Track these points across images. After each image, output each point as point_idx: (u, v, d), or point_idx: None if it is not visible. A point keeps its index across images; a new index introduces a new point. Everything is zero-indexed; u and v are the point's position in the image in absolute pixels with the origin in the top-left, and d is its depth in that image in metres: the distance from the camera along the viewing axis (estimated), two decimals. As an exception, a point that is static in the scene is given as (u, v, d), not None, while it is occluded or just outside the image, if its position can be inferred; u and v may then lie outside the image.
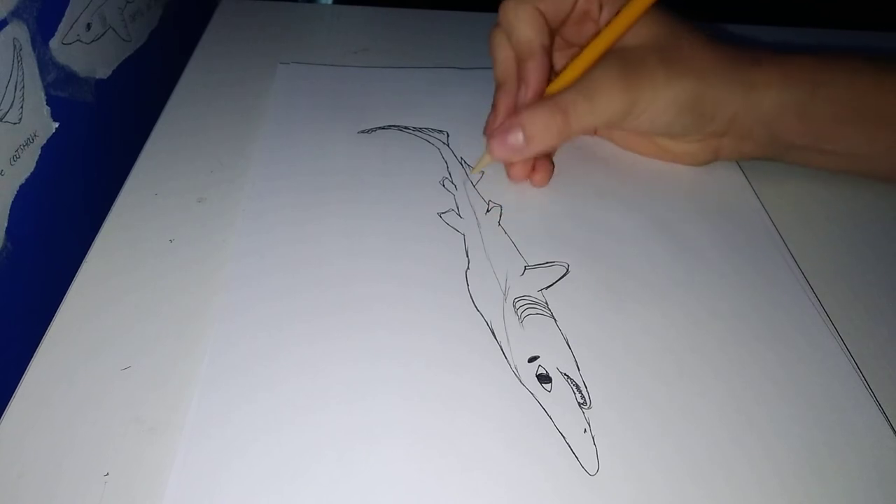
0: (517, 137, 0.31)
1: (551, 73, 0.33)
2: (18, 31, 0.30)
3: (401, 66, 0.43)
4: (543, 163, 0.34)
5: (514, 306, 0.28)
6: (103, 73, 0.40)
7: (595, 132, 0.38)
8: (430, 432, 0.23)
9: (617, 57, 0.31)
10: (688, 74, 0.31)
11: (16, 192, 0.31)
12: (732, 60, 0.32)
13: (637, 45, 0.31)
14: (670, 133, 0.34)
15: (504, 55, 0.33)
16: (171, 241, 0.30)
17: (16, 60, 0.30)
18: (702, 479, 0.23)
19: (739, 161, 0.36)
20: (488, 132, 0.33)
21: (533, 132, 0.31)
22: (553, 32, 0.33)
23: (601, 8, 0.33)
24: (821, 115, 0.32)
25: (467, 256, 0.30)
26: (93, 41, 0.38)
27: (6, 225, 0.31)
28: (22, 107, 0.31)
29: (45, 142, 0.34)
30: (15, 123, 0.31)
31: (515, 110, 0.32)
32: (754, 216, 0.33)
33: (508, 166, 0.34)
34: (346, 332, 0.26)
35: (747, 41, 0.34)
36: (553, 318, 0.28)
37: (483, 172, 0.35)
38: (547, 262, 0.30)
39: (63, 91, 0.36)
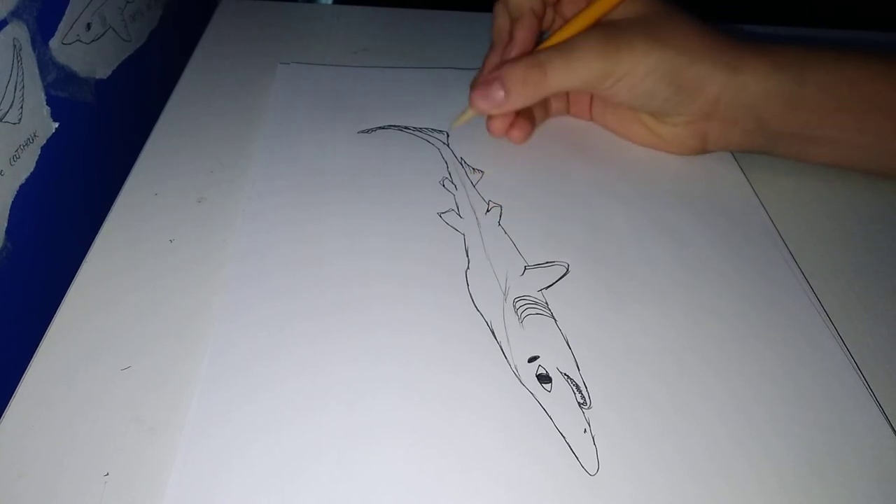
0: (497, 90, 0.33)
1: (540, 40, 0.34)
2: (18, 31, 0.30)
3: (401, 66, 0.43)
4: (522, 120, 0.36)
5: (514, 306, 0.28)
6: (103, 73, 0.40)
7: (587, 115, 0.39)
8: (430, 432, 0.23)
9: (601, 27, 0.33)
10: (669, 47, 0.32)
11: (16, 192, 0.31)
12: (718, 43, 0.32)
13: (623, 19, 0.33)
14: (652, 107, 0.34)
15: (501, 21, 0.35)
16: (171, 241, 0.30)
17: (16, 60, 0.30)
18: (702, 479, 0.23)
19: (736, 156, 0.36)
20: (471, 86, 0.34)
21: (511, 85, 0.32)
22: (546, 2, 0.35)
23: None
24: (808, 102, 0.32)
25: (467, 256, 0.30)
26: (93, 41, 0.38)
27: (6, 225, 0.31)
28: (22, 107, 0.31)
29: (45, 142, 0.34)
30: (15, 123, 0.31)
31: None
32: (754, 216, 0.33)
33: (488, 120, 0.36)
34: (346, 332, 0.26)
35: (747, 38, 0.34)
36: (553, 318, 0.28)
37: (483, 173, 0.35)
38: (547, 262, 0.30)
39: (63, 91, 0.36)
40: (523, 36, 0.34)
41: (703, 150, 0.36)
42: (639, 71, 0.32)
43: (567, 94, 0.39)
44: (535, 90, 0.33)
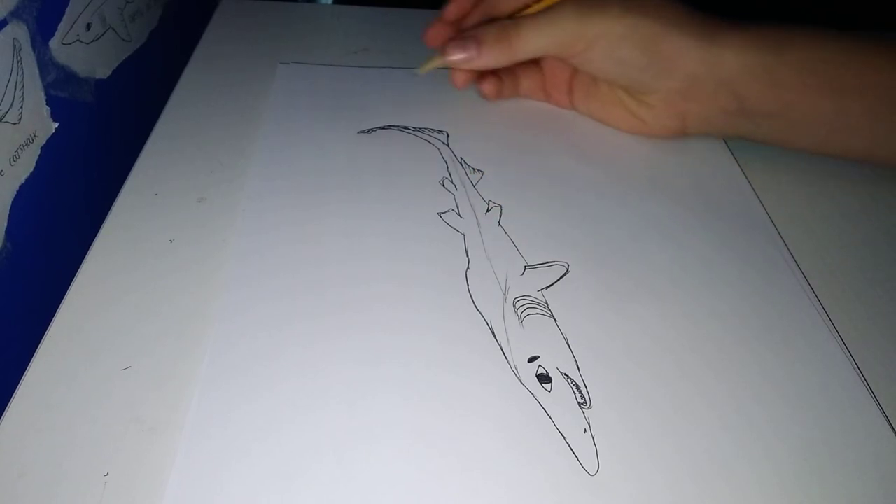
0: (471, 45, 0.34)
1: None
2: (18, 31, 0.30)
3: (401, 66, 0.43)
4: (491, 75, 0.37)
5: (514, 306, 0.28)
6: (103, 73, 0.40)
7: (567, 102, 0.39)
8: (430, 432, 0.23)
9: None
10: (644, 14, 0.32)
11: (16, 192, 0.31)
12: (694, 16, 0.32)
13: None
14: (628, 77, 0.34)
15: None
16: (171, 241, 0.30)
17: (15, 60, 0.30)
18: (702, 479, 0.23)
19: (736, 156, 0.36)
20: (435, 40, 0.37)
21: (484, 42, 0.33)
22: None
23: None
24: (786, 80, 0.32)
25: (467, 256, 0.30)
26: (93, 41, 0.38)
27: (6, 225, 0.31)
28: (22, 107, 0.31)
29: (44, 142, 0.34)
30: (15, 123, 0.31)
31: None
32: (753, 216, 0.33)
33: (453, 73, 0.37)
34: (346, 332, 0.26)
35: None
36: (553, 318, 0.28)
37: (483, 173, 0.35)
38: (547, 262, 0.30)
39: (63, 91, 0.36)
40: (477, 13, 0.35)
41: (683, 132, 0.36)
42: (613, 34, 0.32)
43: (541, 72, 0.39)
44: (508, 49, 0.33)
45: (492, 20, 0.35)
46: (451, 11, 0.37)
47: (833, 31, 0.32)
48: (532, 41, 0.33)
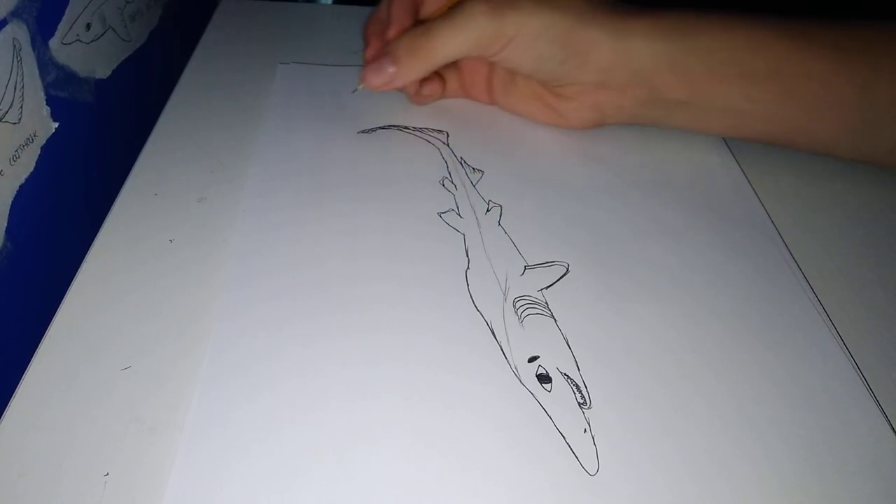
0: (388, 65, 0.33)
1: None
2: (18, 31, 0.30)
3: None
4: (430, 79, 0.36)
5: (514, 306, 0.28)
6: (103, 73, 0.40)
7: (486, 97, 0.39)
8: (430, 432, 0.23)
9: None
10: (556, 9, 0.32)
11: (16, 192, 0.31)
12: (605, 8, 0.32)
13: None
14: (547, 71, 0.34)
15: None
16: (171, 241, 0.30)
17: (15, 60, 0.30)
18: (702, 479, 0.23)
19: (736, 155, 0.36)
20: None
21: (400, 58, 0.33)
22: None
23: None
24: (695, 69, 0.32)
25: (467, 256, 0.30)
26: (93, 41, 0.38)
27: (6, 225, 0.31)
28: (22, 107, 0.31)
29: (44, 142, 0.34)
30: (15, 123, 0.31)
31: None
32: (753, 216, 0.33)
33: (407, 95, 0.37)
34: (346, 332, 0.26)
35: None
36: (553, 318, 0.28)
37: (483, 172, 0.35)
38: (547, 262, 0.30)
39: (63, 91, 0.36)
40: (398, 11, 0.34)
41: (601, 123, 0.36)
42: (528, 31, 0.32)
43: (460, 71, 0.39)
44: (424, 60, 0.33)
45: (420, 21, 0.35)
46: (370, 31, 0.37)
47: (745, 17, 0.32)
48: (447, 46, 0.32)
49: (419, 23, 0.35)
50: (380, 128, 0.37)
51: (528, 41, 0.32)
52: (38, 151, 0.33)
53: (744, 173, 0.36)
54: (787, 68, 0.32)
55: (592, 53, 0.32)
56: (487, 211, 0.32)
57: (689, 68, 0.32)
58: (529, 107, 0.38)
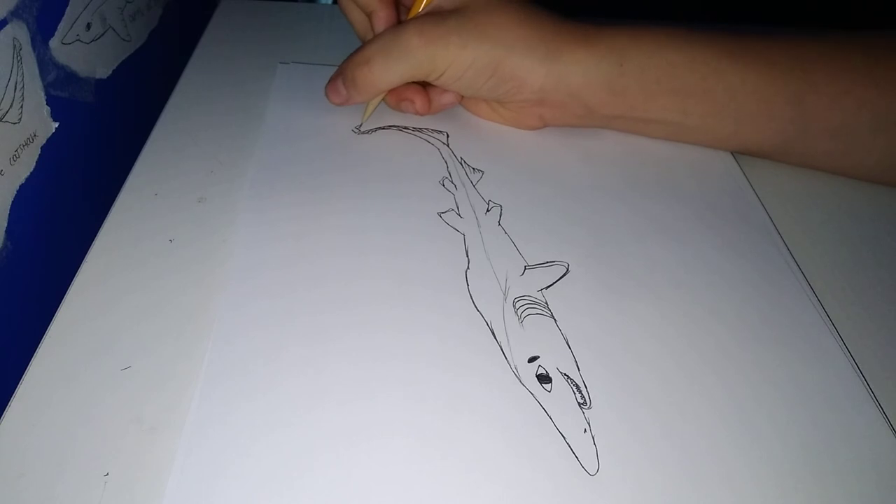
0: (340, 85, 0.35)
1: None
2: (18, 31, 0.30)
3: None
4: (414, 92, 0.36)
5: (514, 306, 0.28)
6: (103, 73, 0.40)
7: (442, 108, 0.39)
8: (430, 432, 0.23)
9: (428, 16, 0.33)
10: (484, 42, 0.32)
11: (16, 192, 0.31)
12: (538, 34, 0.33)
13: (449, 8, 0.33)
14: (482, 94, 0.35)
15: (355, 16, 0.37)
16: (171, 241, 0.30)
17: (16, 60, 0.30)
18: (701, 479, 0.23)
19: (736, 156, 0.36)
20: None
21: (348, 81, 0.35)
22: None
23: None
24: (629, 88, 0.33)
25: (467, 256, 0.30)
26: (93, 41, 0.38)
27: (6, 225, 0.31)
28: (22, 107, 0.31)
29: (44, 142, 0.34)
30: (15, 123, 0.31)
31: None
32: (754, 216, 0.33)
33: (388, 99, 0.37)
34: (346, 332, 0.26)
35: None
36: (553, 318, 0.28)
37: (483, 172, 0.35)
38: (547, 262, 0.30)
39: (63, 91, 0.36)
40: (382, 28, 0.35)
41: (544, 126, 0.37)
42: (459, 64, 0.33)
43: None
44: (366, 89, 0.34)
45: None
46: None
47: (680, 32, 0.33)
48: (385, 78, 0.34)
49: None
50: (380, 128, 0.37)
51: (458, 72, 0.33)
52: (38, 151, 0.33)
53: (744, 173, 0.36)
54: (720, 83, 0.33)
55: (527, 78, 0.33)
56: (487, 211, 0.32)
57: (624, 87, 0.33)
58: (476, 106, 0.38)
